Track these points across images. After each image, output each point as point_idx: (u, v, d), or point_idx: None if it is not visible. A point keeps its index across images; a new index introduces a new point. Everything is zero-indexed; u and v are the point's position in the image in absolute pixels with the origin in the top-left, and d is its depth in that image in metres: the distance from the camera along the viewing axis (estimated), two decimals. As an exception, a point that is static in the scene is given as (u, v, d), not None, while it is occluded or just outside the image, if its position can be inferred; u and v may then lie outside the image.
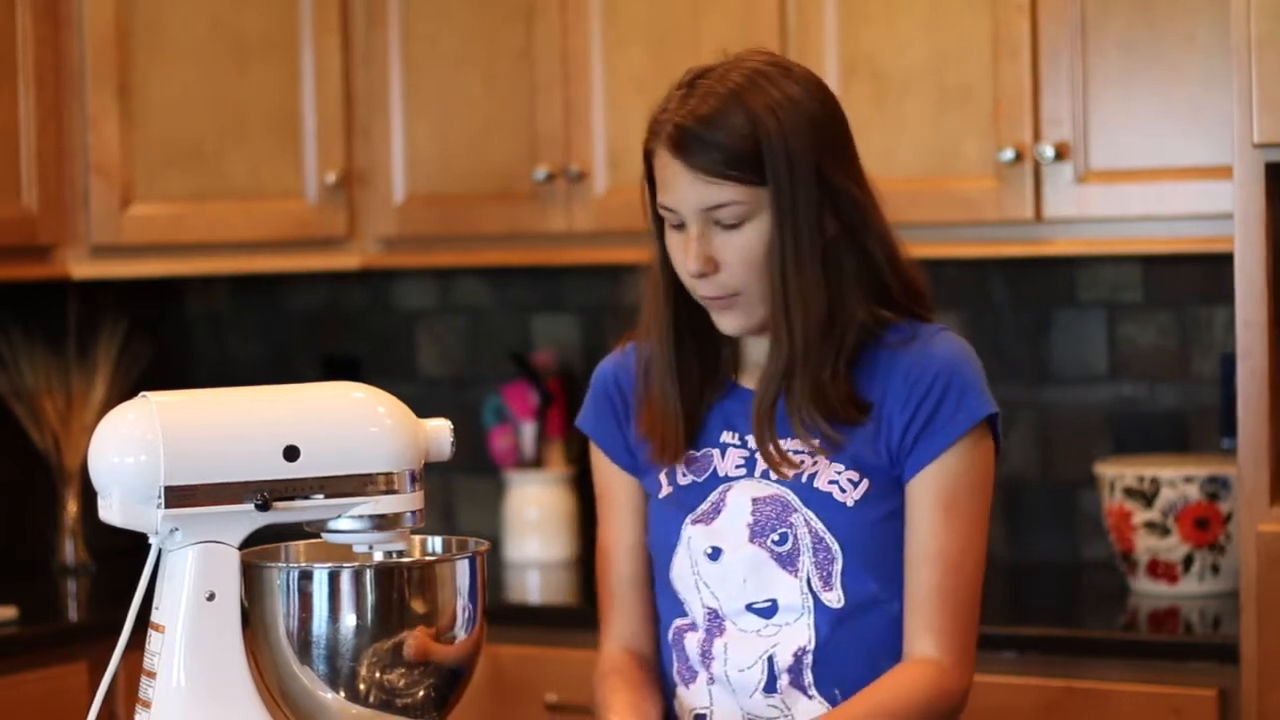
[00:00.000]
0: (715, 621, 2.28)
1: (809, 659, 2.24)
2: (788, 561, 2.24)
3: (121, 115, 3.85)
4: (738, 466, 2.28)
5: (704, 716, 2.30)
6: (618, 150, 3.78)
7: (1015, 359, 3.88)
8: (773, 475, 2.26)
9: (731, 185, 2.17)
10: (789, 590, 2.24)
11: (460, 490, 4.31)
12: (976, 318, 3.90)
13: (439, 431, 2.09)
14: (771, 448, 2.24)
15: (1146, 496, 3.44)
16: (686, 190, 2.18)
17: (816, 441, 2.24)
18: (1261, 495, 2.98)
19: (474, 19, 3.94)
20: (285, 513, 2.02)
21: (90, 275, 3.89)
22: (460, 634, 2.05)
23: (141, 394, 2.03)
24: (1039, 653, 3.27)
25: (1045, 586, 3.75)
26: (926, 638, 2.22)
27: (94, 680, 3.56)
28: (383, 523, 2.05)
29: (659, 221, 2.25)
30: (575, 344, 4.22)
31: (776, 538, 2.24)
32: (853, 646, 2.25)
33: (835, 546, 2.23)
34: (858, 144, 3.57)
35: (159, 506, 1.98)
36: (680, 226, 2.22)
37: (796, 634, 2.24)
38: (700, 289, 2.22)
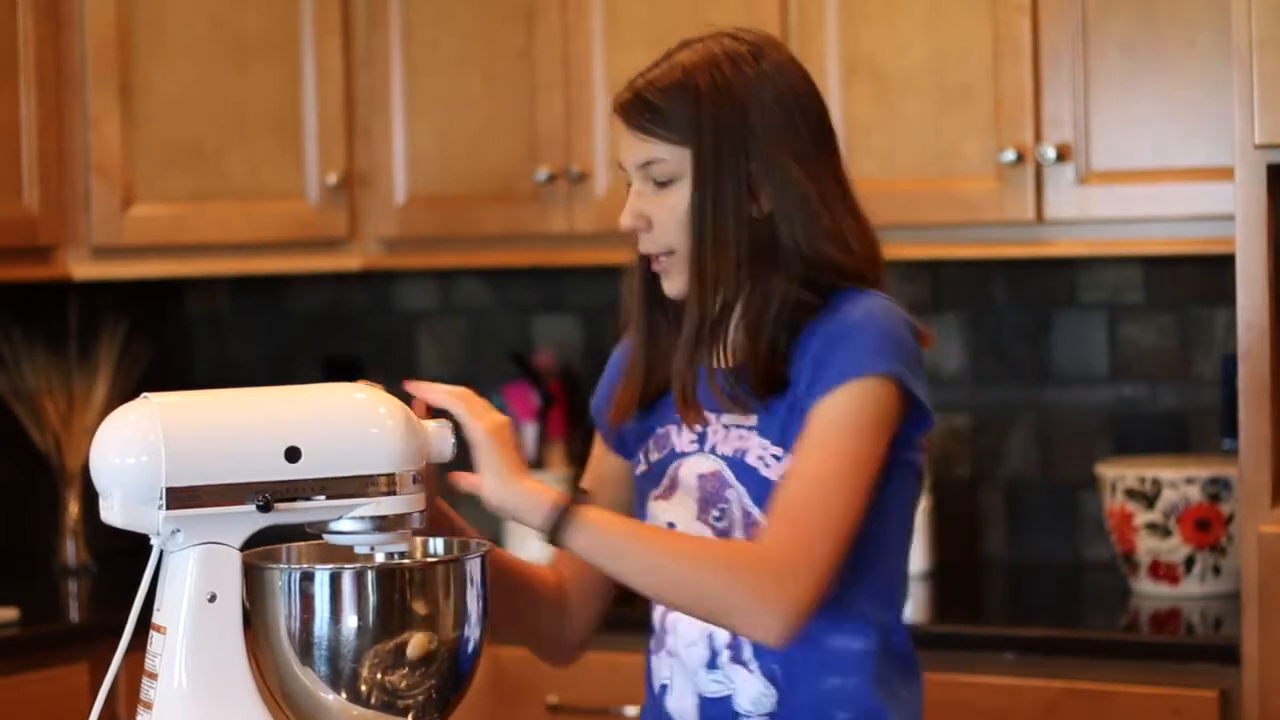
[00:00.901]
0: None
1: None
2: (724, 537, 2.26)
3: (122, 116, 3.85)
4: (691, 442, 2.31)
5: (666, 687, 2.33)
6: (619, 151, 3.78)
7: (1016, 360, 3.88)
8: (718, 450, 2.28)
9: (659, 143, 2.25)
10: None
11: (462, 491, 4.30)
12: (977, 319, 3.90)
13: (440, 432, 2.10)
14: (688, 400, 2.28)
15: (1148, 497, 3.44)
16: (625, 148, 2.30)
17: (755, 419, 2.26)
18: (1263, 496, 2.98)
19: (474, 19, 3.94)
20: (287, 514, 2.02)
21: (91, 276, 3.89)
22: (462, 635, 2.05)
23: (143, 395, 2.03)
24: (1040, 654, 3.26)
25: (1046, 587, 3.75)
26: (762, 536, 2.19)
27: (95, 681, 3.56)
28: (384, 524, 2.05)
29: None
30: (576, 345, 4.22)
31: (717, 513, 2.27)
32: None
33: (762, 522, 2.24)
34: (858, 145, 3.60)
35: (160, 508, 1.98)
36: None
37: None
38: (640, 246, 2.31)
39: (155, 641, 2.03)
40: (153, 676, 2.03)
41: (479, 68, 3.95)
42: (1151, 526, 3.44)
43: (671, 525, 2.29)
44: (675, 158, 2.25)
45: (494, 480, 2.14)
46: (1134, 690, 3.19)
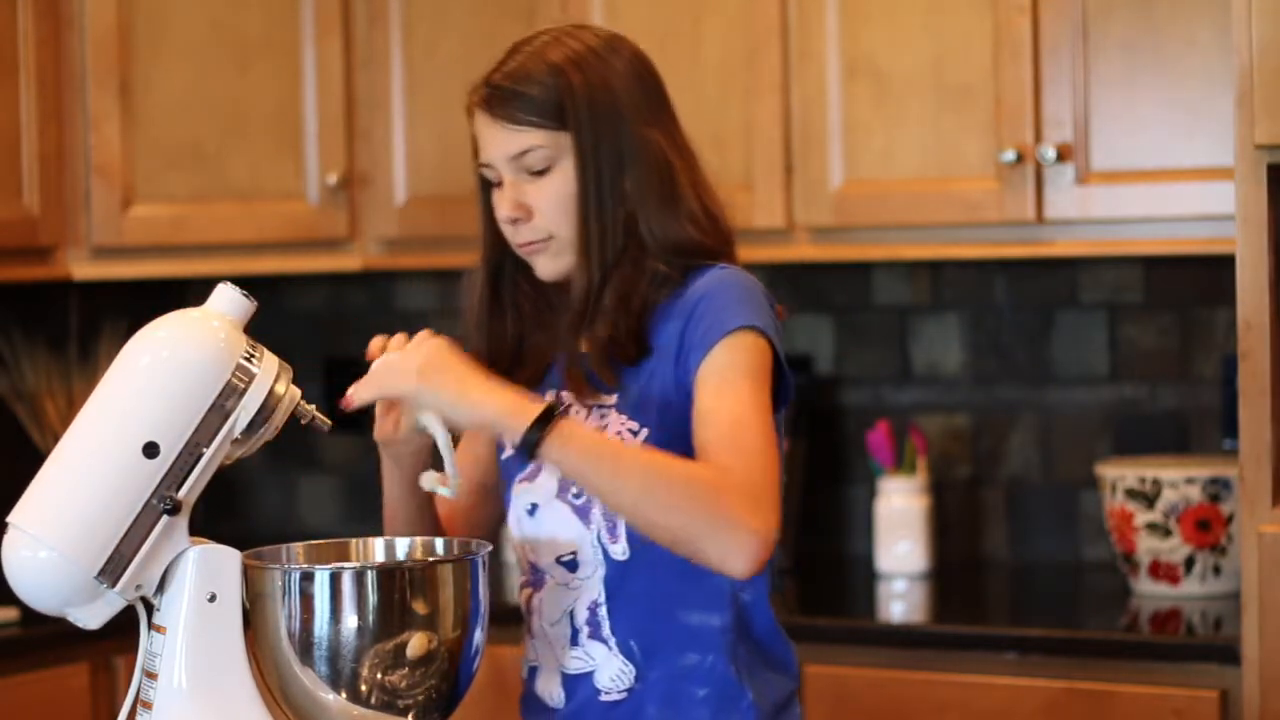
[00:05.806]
0: (537, 576, 2.33)
1: (603, 611, 2.28)
2: (583, 514, 2.27)
3: (123, 116, 3.85)
4: None
5: (536, 669, 2.34)
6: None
7: (1017, 360, 3.88)
8: None
9: (534, 131, 2.28)
10: (585, 543, 2.28)
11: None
12: (977, 319, 3.90)
13: (224, 296, 2.11)
14: (581, 379, 2.30)
15: (1148, 497, 3.44)
16: (495, 141, 2.30)
17: (614, 397, 2.27)
18: (1263, 496, 2.98)
19: (474, 20, 3.94)
20: (196, 488, 2.01)
21: (91, 276, 3.89)
22: (462, 635, 2.05)
23: (5, 522, 2.01)
24: (1041, 654, 3.26)
25: (1047, 587, 3.75)
26: (716, 462, 2.17)
27: (95, 681, 3.56)
28: (266, 410, 2.09)
29: (485, 189, 2.35)
30: (576, 345, 4.21)
31: (575, 490, 2.27)
32: (642, 597, 2.27)
33: None
34: (858, 145, 3.60)
35: (109, 588, 1.99)
36: (500, 184, 2.32)
37: (592, 587, 2.28)
38: (516, 237, 2.31)
39: (155, 641, 2.03)
40: (153, 676, 2.03)
41: (479, 68, 3.93)
42: (1152, 526, 3.44)
43: (534, 506, 2.31)
44: (552, 143, 2.27)
45: (458, 403, 2.12)
46: (1134, 690, 3.19)
